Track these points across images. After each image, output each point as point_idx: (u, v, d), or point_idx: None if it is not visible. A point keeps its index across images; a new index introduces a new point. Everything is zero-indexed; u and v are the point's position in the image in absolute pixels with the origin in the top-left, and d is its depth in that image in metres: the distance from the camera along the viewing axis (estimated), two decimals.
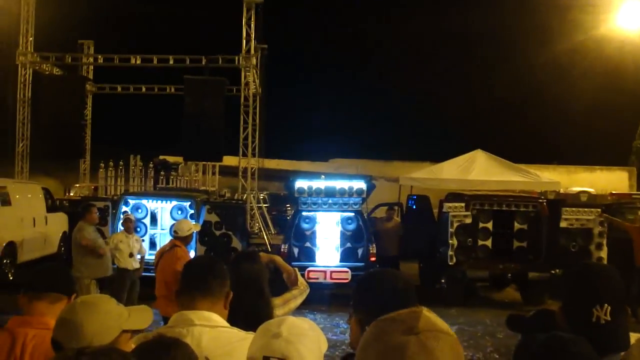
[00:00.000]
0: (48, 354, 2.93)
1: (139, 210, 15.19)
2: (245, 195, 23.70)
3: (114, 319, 2.62)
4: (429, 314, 1.59)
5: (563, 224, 14.59)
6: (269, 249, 19.57)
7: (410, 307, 1.67)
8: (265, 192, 32.16)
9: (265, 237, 21.84)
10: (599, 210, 14.93)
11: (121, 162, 27.31)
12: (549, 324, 2.66)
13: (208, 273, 3.02)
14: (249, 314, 3.04)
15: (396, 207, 17.14)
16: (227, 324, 2.87)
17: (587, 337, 2.25)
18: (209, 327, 2.79)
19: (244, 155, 24.24)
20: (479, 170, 18.41)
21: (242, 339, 2.63)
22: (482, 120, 59.21)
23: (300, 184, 14.68)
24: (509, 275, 15.44)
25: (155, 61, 24.41)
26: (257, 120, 25.32)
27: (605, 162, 42.50)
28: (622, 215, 15.58)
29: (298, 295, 4.47)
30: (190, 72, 23.79)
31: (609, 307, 2.49)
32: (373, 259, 14.47)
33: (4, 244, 15.12)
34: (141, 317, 2.73)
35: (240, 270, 3.96)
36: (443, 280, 15.06)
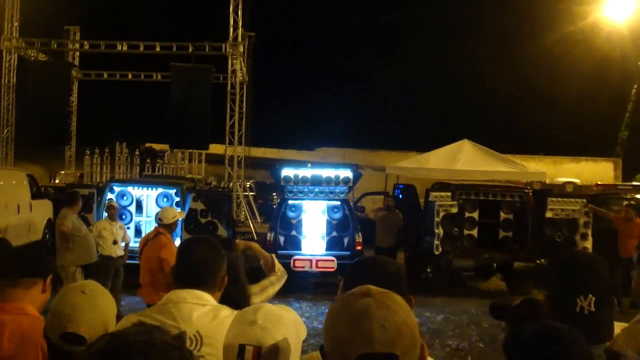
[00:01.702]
0: (24, 339, 2.97)
1: (125, 198, 15.11)
2: (232, 183, 23.68)
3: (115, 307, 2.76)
4: (373, 286, 1.74)
5: (549, 214, 14.64)
6: (255, 237, 19.55)
7: (400, 293, 1.79)
8: (251, 181, 32.18)
9: (251, 225, 21.83)
10: (585, 200, 14.98)
11: (107, 149, 27.22)
12: (535, 312, 2.66)
13: (204, 273, 2.95)
14: (225, 302, 3.00)
15: (392, 196, 16.98)
16: (217, 304, 2.89)
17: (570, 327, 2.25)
18: (200, 304, 2.81)
19: (231, 143, 24.18)
20: (465, 160, 18.47)
21: (230, 315, 2.65)
22: (468, 111, 59.31)
23: (287, 172, 14.64)
24: (495, 264, 15.47)
25: (141, 48, 24.25)
26: (244, 108, 25.29)
27: (591, 153, 42.68)
28: (607, 206, 15.66)
29: (276, 281, 4.41)
30: (176, 59, 23.65)
31: (594, 298, 2.48)
32: (359, 247, 14.47)
33: None
34: None
35: None
36: (429, 270, 15.10)
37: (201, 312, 2.79)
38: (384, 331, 1.59)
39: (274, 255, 4.57)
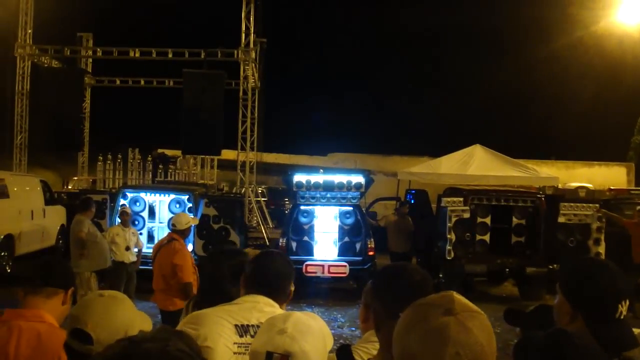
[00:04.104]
0: (40, 346, 3.01)
1: (137, 204, 15.17)
2: (244, 189, 23.72)
3: (138, 316, 2.79)
4: (459, 296, 1.68)
5: (561, 219, 14.58)
6: (267, 243, 19.57)
7: None
8: (263, 186, 32.18)
9: (263, 231, 21.84)
10: (597, 205, 14.91)
11: (119, 155, 27.32)
12: (550, 319, 2.65)
13: (277, 284, 3.21)
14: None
15: (406, 203, 16.92)
16: (283, 311, 3.13)
17: (608, 332, 2.27)
18: (271, 307, 3.08)
19: (243, 149, 24.27)
20: (477, 165, 18.43)
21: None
22: (480, 116, 59.17)
23: (299, 178, 14.66)
24: (507, 270, 15.41)
25: (154, 54, 24.39)
26: (256, 114, 25.33)
27: (603, 157, 42.43)
28: (620, 211, 15.58)
29: None
30: (189, 66, 23.77)
31: (628, 302, 2.50)
32: (371, 253, 14.47)
33: (2, 237, 15.10)
34: (146, 321, 2.85)
35: (206, 269, 4.18)
36: (441, 275, 15.04)
37: (273, 310, 3.04)
38: (457, 359, 1.52)
39: None
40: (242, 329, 2.98)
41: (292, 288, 3.28)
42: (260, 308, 3.04)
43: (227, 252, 4.44)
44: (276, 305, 3.12)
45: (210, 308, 3.18)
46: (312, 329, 2.30)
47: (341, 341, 10.13)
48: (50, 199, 18.53)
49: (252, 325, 2.98)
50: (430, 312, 1.61)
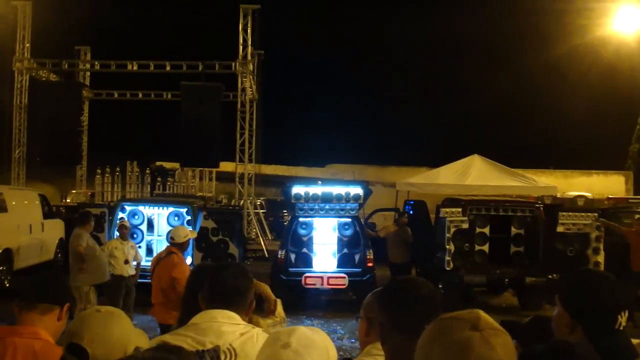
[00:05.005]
0: None
1: (136, 217, 15.13)
2: (242, 201, 23.72)
3: (134, 333, 2.80)
4: (485, 314, 1.70)
5: (560, 229, 14.56)
6: (266, 255, 19.56)
7: (434, 315, 1.78)
8: (262, 198, 32.20)
9: (262, 243, 21.84)
10: (596, 214, 14.90)
11: (118, 168, 27.35)
12: (544, 330, 2.65)
13: (234, 296, 3.13)
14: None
15: (405, 213, 16.92)
16: (245, 323, 3.05)
17: (608, 343, 2.27)
18: (230, 323, 2.97)
19: (241, 161, 24.28)
20: (475, 175, 18.44)
21: (258, 333, 2.93)
22: (478, 125, 59.19)
23: (297, 189, 14.66)
24: (506, 280, 15.40)
25: (151, 67, 24.45)
26: (254, 126, 25.36)
27: (601, 166, 42.43)
28: (618, 220, 15.57)
29: (266, 326, 4.22)
30: (187, 78, 23.83)
31: (627, 313, 2.50)
32: (370, 264, 14.44)
33: (0, 251, 15.07)
34: (142, 338, 2.86)
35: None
36: (440, 286, 15.01)
37: (231, 328, 2.94)
38: None
39: (279, 301, 4.49)
40: (198, 356, 2.84)
41: (254, 300, 3.24)
42: (217, 327, 2.94)
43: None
44: (237, 317, 3.05)
45: (168, 334, 3.12)
46: (316, 344, 2.28)
47: (341, 353, 10.10)
48: (49, 212, 18.50)
49: (208, 350, 2.88)
50: (455, 326, 1.63)
